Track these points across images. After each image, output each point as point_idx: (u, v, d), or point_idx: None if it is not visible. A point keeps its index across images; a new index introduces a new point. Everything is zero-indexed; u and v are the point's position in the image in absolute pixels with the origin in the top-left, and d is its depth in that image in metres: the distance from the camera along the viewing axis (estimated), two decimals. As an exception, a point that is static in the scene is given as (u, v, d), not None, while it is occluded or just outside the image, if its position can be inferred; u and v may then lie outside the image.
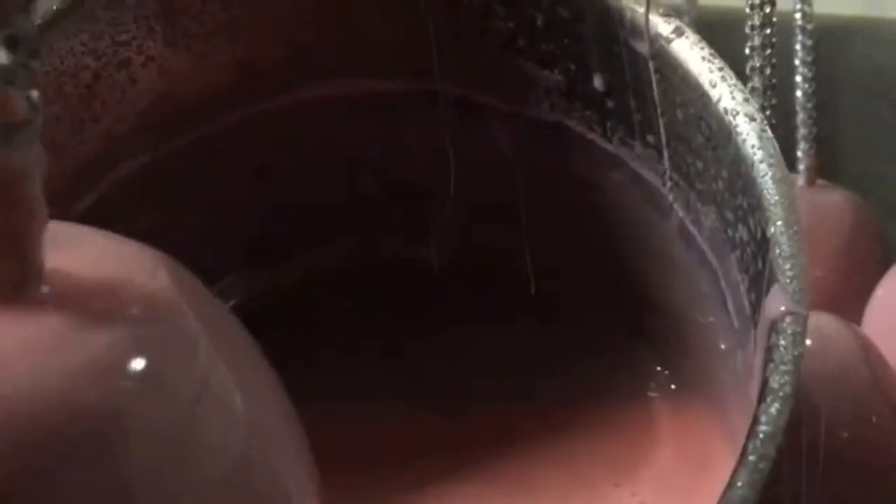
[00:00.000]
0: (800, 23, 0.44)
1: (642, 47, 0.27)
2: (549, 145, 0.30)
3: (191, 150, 0.32)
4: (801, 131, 0.44)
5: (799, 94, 0.44)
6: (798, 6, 0.44)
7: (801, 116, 0.44)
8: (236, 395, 0.21)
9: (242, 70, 0.31)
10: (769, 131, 0.25)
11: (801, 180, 0.44)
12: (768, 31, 0.34)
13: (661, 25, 0.27)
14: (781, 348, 0.22)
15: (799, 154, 0.44)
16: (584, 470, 0.31)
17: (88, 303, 0.20)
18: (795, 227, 0.23)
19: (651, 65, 0.27)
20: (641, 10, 0.27)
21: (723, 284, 0.27)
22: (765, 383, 0.22)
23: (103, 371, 0.19)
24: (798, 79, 0.44)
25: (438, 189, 0.33)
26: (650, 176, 0.29)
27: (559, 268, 0.32)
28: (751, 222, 0.24)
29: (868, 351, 0.34)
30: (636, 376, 0.32)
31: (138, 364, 0.20)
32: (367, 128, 0.33)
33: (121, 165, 0.31)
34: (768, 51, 0.34)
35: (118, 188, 0.31)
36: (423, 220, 0.33)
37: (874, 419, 0.32)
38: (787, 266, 0.23)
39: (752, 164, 0.24)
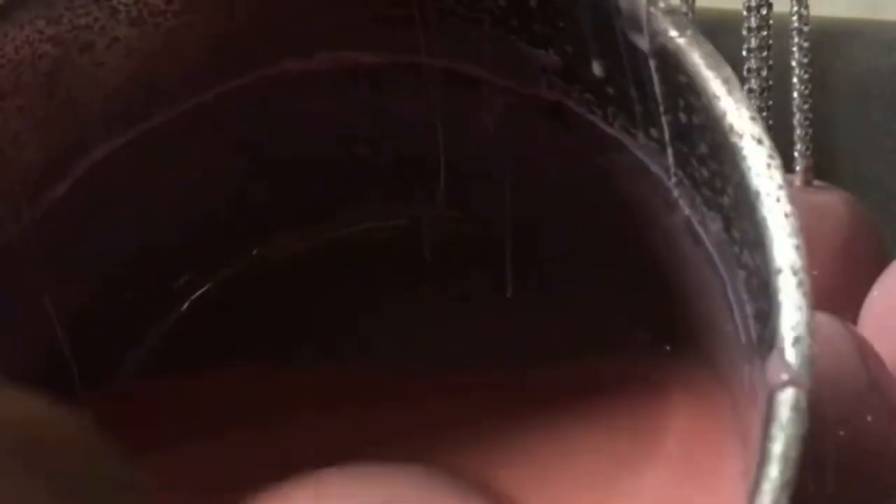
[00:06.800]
0: (796, 25, 0.44)
1: (641, 42, 0.25)
2: (548, 122, 0.29)
3: (168, 129, 0.31)
4: (798, 132, 0.44)
5: (795, 95, 0.44)
6: (794, 8, 0.44)
7: (797, 118, 0.44)
8: None
9: (218, 47, 0.30)
10: (777, 157, 0.23)
11: (797, 181, 0.44)
12: (765, 33, 0.35)
13: (663, 21, 0.25)
14: (779, 427, 0.21)
15: (795, 154, 0.44)
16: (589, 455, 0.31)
17: None
18: (800, 276, 0.21)
19: (651, 63, 0.25)
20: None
21: (730, 294, 0.25)
22: (762, 460, 0.21)
23: None
24: (794, 80, 0.44)
25: (430, 164, 0.32)
26: (654, 167, 0.27)
27: (558, 245, 0.32)
28: (756, 256, 0.23)
29: (864, 350, 0.34)
30: (639, 357, 0.31)
31: None
32: (355, 101, 0.31)
33: (94, 150, 0.30)
34: (765, 53, 0.35)
35: (93, 172, 0.31)
36: (415, 196, 0.33)
37: (870, 419, 0.32)
38: (789, 328, 0.21)
39: (757, 196, 0.22)
